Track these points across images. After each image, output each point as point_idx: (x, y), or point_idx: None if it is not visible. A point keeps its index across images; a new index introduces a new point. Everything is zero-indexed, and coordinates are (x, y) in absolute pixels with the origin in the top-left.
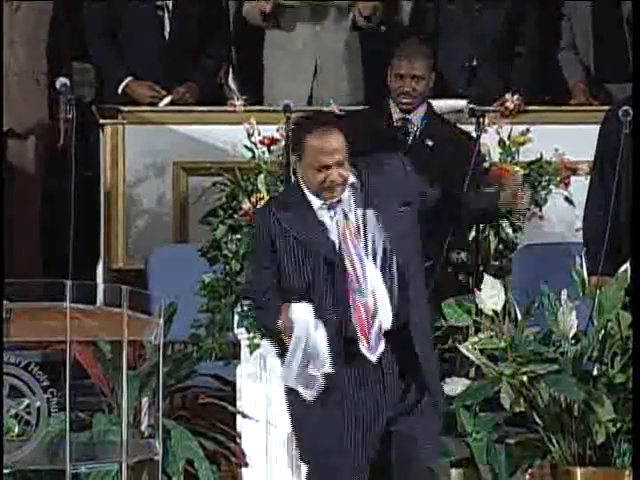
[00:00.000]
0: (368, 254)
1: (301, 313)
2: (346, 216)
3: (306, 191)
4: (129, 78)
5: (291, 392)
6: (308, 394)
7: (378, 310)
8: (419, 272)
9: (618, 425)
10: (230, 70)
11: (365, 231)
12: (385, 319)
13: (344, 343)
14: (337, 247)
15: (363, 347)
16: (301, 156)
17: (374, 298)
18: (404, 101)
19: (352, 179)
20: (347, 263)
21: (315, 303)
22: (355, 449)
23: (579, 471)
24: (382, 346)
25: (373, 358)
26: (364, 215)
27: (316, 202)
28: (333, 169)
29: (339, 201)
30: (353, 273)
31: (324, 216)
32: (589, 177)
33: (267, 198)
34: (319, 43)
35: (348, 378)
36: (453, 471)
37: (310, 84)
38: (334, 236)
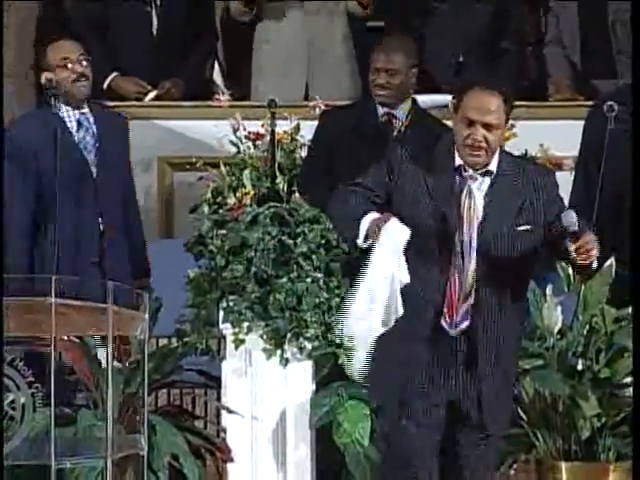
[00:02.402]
0: (474, 242)
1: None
2: (470, 193)
3: (454, 146)
4: (115, 74)
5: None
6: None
7: (471, 294)
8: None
9: (603, 420)
10: (216, 65)
11: (478, 222)
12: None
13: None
14: (456, 214)
15: (445, 322)
16: (458, 107)
17: (471, 281)
18: (378, 93)
19: (493, 167)
20: (457, 235)
21: (419, 258)
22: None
23: (564, 466)
24: (465, 324)
25: (453, 332)
26: (486, 206)
27: (457, 160)
28: (479, 128)
29: (474, 177)
30: (460, 249)
31: (456, 180)
32: (574, 172)
33: (253, 193)
34: (311, 37)
35: (432, 348)
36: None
37: (305, 79)
38: (456, 203)
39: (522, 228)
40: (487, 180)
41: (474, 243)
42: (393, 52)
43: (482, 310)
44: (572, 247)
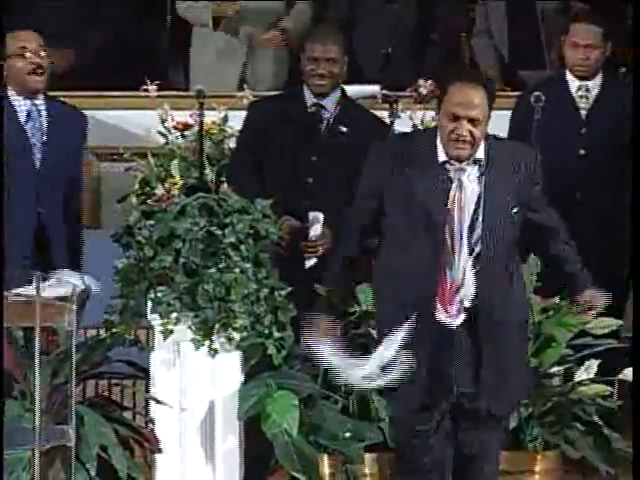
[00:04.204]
0: (465, 233)
1: None
2: (461, 186)
3: (438, 141)
4: None
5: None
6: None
7: (463, 286)
8: (516, 274)
9: (530, 409)
10: None
11: (472, 211)
12: (467, 298)
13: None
14: (444, 210)
15: (442, 316)
16: (441, 101)
17: (463, 275)
18: (319, 83)
19: (480, 154)
20: (447, 231)
21: (406, 256)
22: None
23: None
24: (462, 317)
25: (454, 324)
26: (478, 196)
27: (442, 156)
28: (464, 123)
29: (462, 169)
30: (450, 244)
31: (444, 174)
32: None
33: (181, 183)
34: (248, 27)
35: (423, 344)
36: (367, 455)
37: (240, 69)
38: (445, 198)
39: (514, 210)
40: (476, 169)
41: (464, 236)
42: (329, 41)
43: (484, 298)
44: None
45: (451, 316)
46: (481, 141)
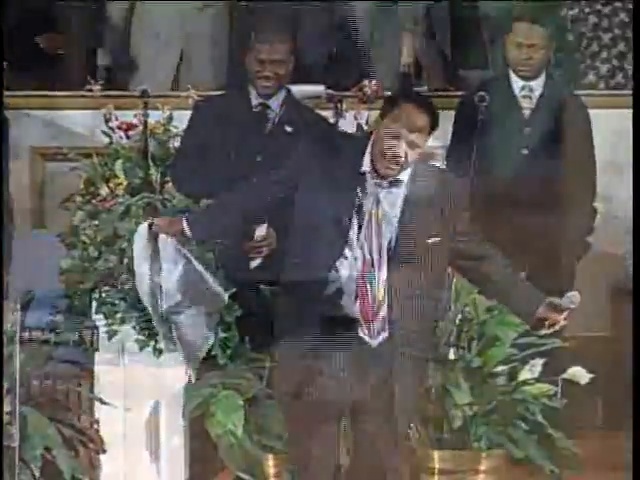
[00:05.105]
0: (385, 250)
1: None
2: (378, 204)
3: (367, 151)
4: None
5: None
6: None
7: (384, 303)
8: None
9: (475, 409)
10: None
11: (393, 230)
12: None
13: (343, 321)
14: (359, 220)
15: (364, 333)
16: (385, 115)
17: (384, 290)
18: (264, 84)
19: (404, 176)
20: (366, 245)
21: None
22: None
23: (436, 454)
24: (385, 334)
25: (374, 343)
26: (401, 216)
27: (366, 166)
28: (403, 144)
29: (380, 185)
30: (370, 258)
31: (361, 186)
32: (445, 163)
33: (126, 183)
34: (185, 26)
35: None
36: None
37: (175, 68)
38: (357, 209)
39: (432, 240)
40: (398, 190)
41: (384, 253)
42: (277, 42)
43: (400, 318)
44: (557, 317)
45: (372, 334)
46: (411, 165)
